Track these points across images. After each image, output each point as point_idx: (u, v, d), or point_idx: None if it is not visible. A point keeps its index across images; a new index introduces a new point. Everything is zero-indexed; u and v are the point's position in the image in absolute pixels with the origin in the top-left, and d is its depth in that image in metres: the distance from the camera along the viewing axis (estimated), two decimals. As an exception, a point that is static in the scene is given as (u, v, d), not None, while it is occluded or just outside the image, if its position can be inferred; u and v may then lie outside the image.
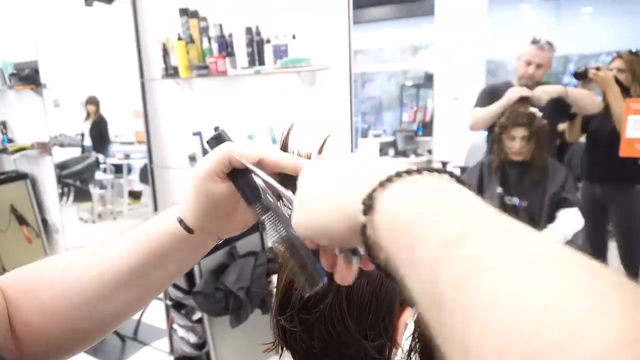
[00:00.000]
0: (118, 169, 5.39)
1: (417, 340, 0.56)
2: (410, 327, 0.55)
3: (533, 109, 2.19)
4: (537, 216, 2.11)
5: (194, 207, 0.46)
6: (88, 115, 4.20)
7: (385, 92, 7.29)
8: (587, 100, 2.26)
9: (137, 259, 0.48)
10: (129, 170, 5.43)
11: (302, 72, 1.94)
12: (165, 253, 0.48)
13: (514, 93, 2.21)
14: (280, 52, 1.98)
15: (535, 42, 2.32)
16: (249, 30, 2.03)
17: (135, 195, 5.52)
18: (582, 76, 2.23)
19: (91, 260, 0.49)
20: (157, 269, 0.49)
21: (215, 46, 2.13)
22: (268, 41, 2.00)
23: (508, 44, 4.70)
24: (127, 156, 5.20)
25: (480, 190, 2.23)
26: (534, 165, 2.11)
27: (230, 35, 2.09)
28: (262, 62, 2.03)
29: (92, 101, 4.25)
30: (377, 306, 0.51)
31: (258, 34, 2.04)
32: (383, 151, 5.09)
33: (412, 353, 0.55)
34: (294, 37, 1.94)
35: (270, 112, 2.13)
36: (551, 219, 2.08)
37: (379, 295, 0.51)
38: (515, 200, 2.15)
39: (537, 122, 2.11)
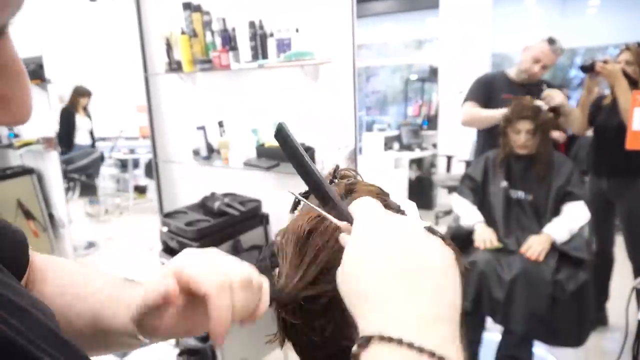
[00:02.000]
0: (123, 164, 5.42)
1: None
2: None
3: (538, 102, 2.17)
4: (542, 210, 2.10)
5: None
6: (75, 106, 4.08)
7: (390, 86, 7.27)
8: (575, 120, 2.34)
9: (91, 329, 0.49)
10: (135, 165, 5.46)
11: (306, 66, 1.94)
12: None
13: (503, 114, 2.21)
14: (283, 46, 1.97)
15: (551, 42, 2.27)
16: (252, 24, 2.03)
17: (140, 190, 5.55)
18: (589, 69, 2.20)
19: (74, 298, 0.51)
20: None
21: (218, 40, 2.13)
22: (271, 35, 1.99)
23: (513, 37, 4.66)
24: (132, 151, 5.22)
25: (484, 183, 2.22)
26: (539, 159, 2.10)
27: (234, 29, 2.09)
28: (265, 56, 2.02)
29: (86, 93, 4.13)
30: None
31: (261, 27, 2.04)
32: (388, 145, 5.08)
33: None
34: (297, 30, 1.93)
35: (274, 106, 2.12)
36: (556, 212, 2.07)
37: None
38: (521, 194, 2.15)
39: (543, 115, 2.10)
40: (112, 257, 4.04)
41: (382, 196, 0.57)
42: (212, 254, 0.46)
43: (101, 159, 4.29)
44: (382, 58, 7.07)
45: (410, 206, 0.60)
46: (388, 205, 0.56)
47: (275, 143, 1.96)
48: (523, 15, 4.95)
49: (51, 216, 3.45)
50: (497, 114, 2.26)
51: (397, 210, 0.56)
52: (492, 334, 2.31)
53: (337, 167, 0.65)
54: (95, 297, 0.50)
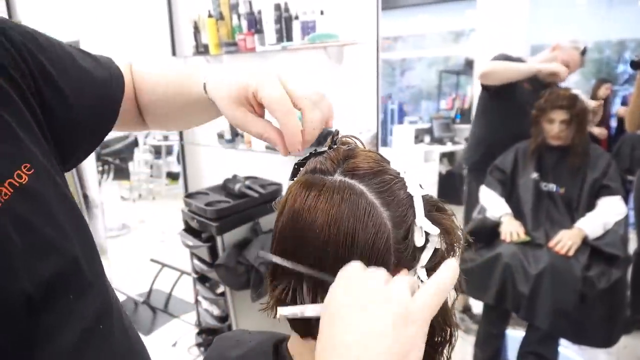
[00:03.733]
0: (157, 150, 5.55)
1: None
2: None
3: (576, 91, 2.06)
4: (575, 203, 2.00)
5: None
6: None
7: (425, 80, 7.13)
8: (628, 117, 2.25)
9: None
10: (168, 152, 5.59)
11: (329, 48, 1.92)
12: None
13: (556, 69, 2.13)
14: (308, 29, 1.96)
15: (584, 52, 2.26)
16: (277, 7, 2.02)
17: (173, 176, 5.69)
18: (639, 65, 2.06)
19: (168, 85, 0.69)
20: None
21: (244, 23, 2.14)
22: (296, 17, 1.98)
23: (553, 28, 4.46)
24: (165, 138, 5.34)
25: (513, 175, 2.13)
26: (573, 151, 2.00)
27: (260, 12, 2.09)
28: (290, 39, 2.02)
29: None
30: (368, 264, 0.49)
31: (286, 10, 2.03)
32: (418, 138, 4.98)
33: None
34: (322, 13, 1.91)
35: (297, 89, 2.11)
36: (590, 207, 1.96)
37: (370, 253, 0.49)
38: (552, 187, 2.05)
39: (579, 104, 1.99)
40: (143, 239, 4.17)
41: (381, 162, 0.55)
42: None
43: (135, 143, 4.41)
44: (419, 50, 6.93)
45: (409, 171, 0.57)
46: (386, 171, 0.53)
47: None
48: (565, 4, 4.73)
49: (85, 197, 3.58)
50: (528, 68, 2.16)
51: (396, 176, 0.54)
52: (516, 331, 2.23)
53: (337, 131, 0.62)
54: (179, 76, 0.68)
